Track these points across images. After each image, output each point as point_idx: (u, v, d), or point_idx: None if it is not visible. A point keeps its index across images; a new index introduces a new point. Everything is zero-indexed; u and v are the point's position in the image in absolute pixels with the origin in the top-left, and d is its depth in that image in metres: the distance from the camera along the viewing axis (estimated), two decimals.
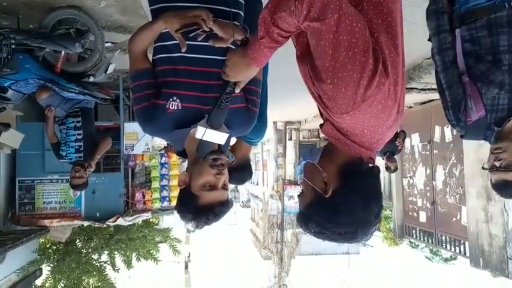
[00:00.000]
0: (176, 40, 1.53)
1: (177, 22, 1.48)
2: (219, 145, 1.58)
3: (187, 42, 1.53)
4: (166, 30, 1.55)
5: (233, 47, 1.50)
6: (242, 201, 31.44)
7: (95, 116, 6.34)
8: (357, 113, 1.10)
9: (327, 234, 1.19)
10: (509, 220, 5.38)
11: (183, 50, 1.51)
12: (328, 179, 1.20)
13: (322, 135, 1.42)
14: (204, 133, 1.50)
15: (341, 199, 1.17)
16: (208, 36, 1.51)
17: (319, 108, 1.28)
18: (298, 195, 1.30)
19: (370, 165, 1.22)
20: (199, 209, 1.48)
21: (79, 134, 4.13)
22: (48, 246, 6.20)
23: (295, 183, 14.84)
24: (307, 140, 15.18)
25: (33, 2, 3.78)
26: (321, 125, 1.29)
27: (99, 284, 6.19)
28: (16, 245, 4.79)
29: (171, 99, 1.55)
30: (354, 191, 1.17)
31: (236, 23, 1.53)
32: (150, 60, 1.66)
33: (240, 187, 32.17)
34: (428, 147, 7.66)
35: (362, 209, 1.16)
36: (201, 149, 1.52)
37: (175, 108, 1.55)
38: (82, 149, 4.12)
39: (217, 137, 1.53)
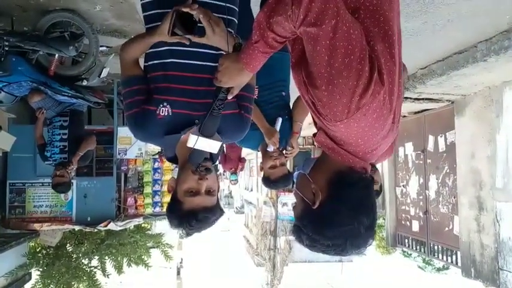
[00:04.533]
0: (168, 46, 1.53)
1: (165, 26, 1.44)
2: (210, 153, 1.56)
3: (178, 48, 1.53)
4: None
5: (224, 53, 1.48)
6: (236, 207, 31.36)
7: (88, 119, 6.32)
8: (352, 121, 1.08)
9: (317, 247, 1.17)
10: (500, 230, 5.38)
11: (187, 43, 1.48)
12: (316, 190, 1.17)
13: (315, 142, 1.43)
14: (196, 141, 1.46)
15: (328, 210, 1.14)
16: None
17: (312, 117, 1.26)
18: (293, 207, 1.28)
19: (363, 175, 1.19)
20: (183, 215, 1.47)
21: (64, 134, 4.07)
22: (38, 250, 6.11)
23: (289, 190, 14.84)
24: (301, 147, 15.19)
25: (28, 4, 3.75)
26: (315, 134, 1.27)
27: None
28: (5, 249, 4.73)
29: (161, 105, 1.55)
30: (341, 202, 1.14)
31: (230, 30, 1.52)
32: (142, 66, 1.65)
33: (234, 193, 32.14)
34: (421, 156, 7.67)
35: (350, 221, 1.13)
36: (193, 157, 1.49)
37: (166, 114, 1.55)
38: (67, 149, 4.05)
39: (209, 145, 1.49)
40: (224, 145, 5.52)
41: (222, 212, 1.55)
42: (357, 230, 1.13)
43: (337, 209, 1.14)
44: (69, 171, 3.98)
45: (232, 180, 6.28)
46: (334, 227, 1.13)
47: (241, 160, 5.40)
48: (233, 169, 5.50)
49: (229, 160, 5.33)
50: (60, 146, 4.05)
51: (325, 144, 1.22)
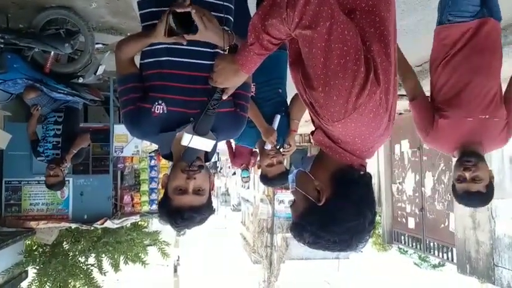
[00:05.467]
0: (164, 44, 1.53)
1: (161, 28, 1.45)
2: (205, 152, 1.57)
3: (174, 47, 1.53)
4: None
5: (221, 52, 1.48)
6: (233, 205, 31.36)
7: (84, 117, 6.29)
8: (348, 121, 1.10)
9: (321, 244, 1.18)
10: (496, 227, 5.42)
11: (184, 43, 1.49)
12: (321, 187, 1.18)
13: (313, 140, 1.43)
14: (190, 140, 1.48)
15: (335, 207, 1.16)
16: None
17: (310, 115, 1.28)
18: (291, 206, 1.29)
19: (362, 172, 1.21)
20: (171, 212, 1.49)
21: (58, 129, 4.04)
22: (34, 248, 6.10)
23: (286, 188, 14.85)
24: (298, 144, 15.19)
25: (23, 1, 3.73)
26: (312, 132, 1.29)
27: (86, 287, 6.11)
28: (1, 247, 4.72)
29: (156, 103, 1.56)
30: (347, 199, 1.16)
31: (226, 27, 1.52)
32: (138, 64, 1.66)
33: (230, 190, 32.15)
34: (417, 153, 7.70)
35: (356, 216, 1.15)
36: (187, 155, 1.51)
37: (161, 111, 1.56)
38: (60, 145, 4.01)
39: (203, 143, 1.51)
40: (233, 143, 5.36)
41: (211, 212, 1.55)
42: (362, 225, 1.16)
43: (343, 206, 1.16)
44: (62, 169, 3.95)
45: (244, 177, 5.88)
46: (341, 223, 1.15)
47: (254, 154, 5.12)
48: (244, 165, 5.23)
49: (240, 155, 5.07)
50: (53, 141, 4.01)
51: (323, 142, 1.23)
